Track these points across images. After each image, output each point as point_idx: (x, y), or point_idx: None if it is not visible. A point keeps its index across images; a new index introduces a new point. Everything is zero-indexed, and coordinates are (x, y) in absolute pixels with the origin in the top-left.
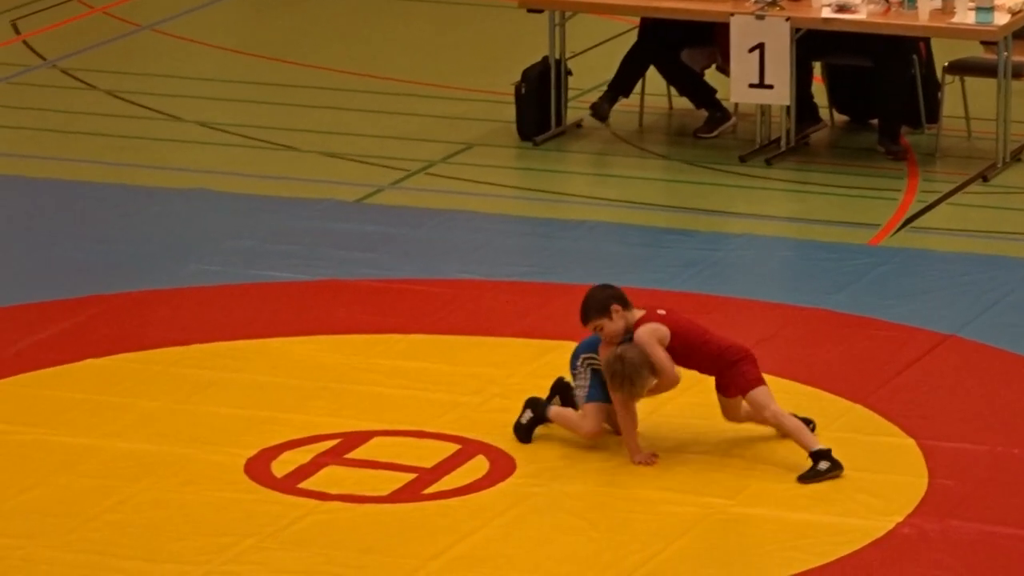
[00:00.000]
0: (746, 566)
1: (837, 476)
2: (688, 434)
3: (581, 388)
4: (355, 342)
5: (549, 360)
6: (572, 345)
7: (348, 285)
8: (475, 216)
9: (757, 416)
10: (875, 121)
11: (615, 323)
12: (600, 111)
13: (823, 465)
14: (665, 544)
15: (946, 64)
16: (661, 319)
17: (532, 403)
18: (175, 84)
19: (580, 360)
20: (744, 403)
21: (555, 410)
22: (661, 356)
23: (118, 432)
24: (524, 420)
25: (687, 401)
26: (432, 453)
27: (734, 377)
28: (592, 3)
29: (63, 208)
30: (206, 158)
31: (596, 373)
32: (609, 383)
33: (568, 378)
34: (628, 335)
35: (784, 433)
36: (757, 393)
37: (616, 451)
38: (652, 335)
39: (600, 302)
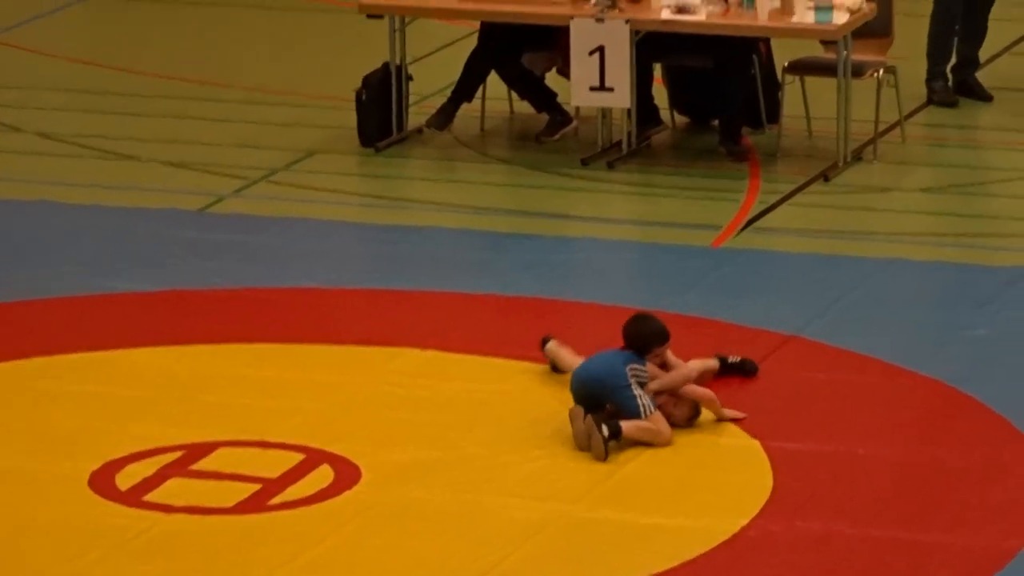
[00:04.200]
0: (591, 570)
1: None
2: (534, 436)
3: (638, 397)
4: (200, 352)
5: (394, 367)
6: (416, 352)
7: (192, 295)
8: (318, 223)
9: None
10: (716, 122)
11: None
12: (439, 123)
13: None
14: (512, 549)
15: (786, 64)
16: None
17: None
18: (14, 95)
19: (629, 370)
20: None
21: (629, 425)
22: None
23: None
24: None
25: (531, 400)
26: (277, 463)
27: None
28: (432, 8)
29: None
30: (47, 169)
31: (640, 385)
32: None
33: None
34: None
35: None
36: None
37: (460, 456)
38: None
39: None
